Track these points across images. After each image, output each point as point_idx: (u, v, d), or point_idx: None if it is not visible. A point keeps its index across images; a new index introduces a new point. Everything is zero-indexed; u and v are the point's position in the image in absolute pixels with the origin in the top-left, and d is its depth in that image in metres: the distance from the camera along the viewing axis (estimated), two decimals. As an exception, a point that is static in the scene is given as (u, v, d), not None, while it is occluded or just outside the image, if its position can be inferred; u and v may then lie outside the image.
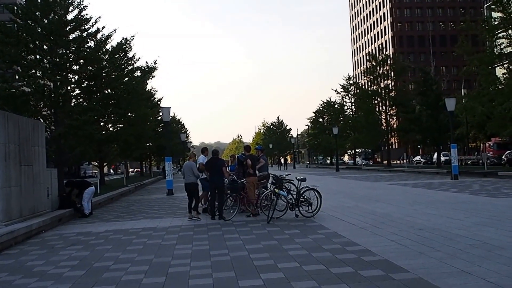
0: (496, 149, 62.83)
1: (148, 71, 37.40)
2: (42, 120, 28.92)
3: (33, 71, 30.21)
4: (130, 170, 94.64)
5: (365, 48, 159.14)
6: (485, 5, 75.09)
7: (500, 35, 42.71)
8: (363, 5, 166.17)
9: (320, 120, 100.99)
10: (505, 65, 43.41)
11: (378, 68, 75.42)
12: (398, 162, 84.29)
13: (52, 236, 15.60)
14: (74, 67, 31.89)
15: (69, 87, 31.81)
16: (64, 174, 32.04)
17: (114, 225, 17.47)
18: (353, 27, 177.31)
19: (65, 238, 15.05)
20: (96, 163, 47.47)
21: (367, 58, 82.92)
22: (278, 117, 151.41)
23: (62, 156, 30.95)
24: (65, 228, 17.54)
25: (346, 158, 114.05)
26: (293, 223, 15.67)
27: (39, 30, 29.90)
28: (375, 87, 76.12)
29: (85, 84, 32.71)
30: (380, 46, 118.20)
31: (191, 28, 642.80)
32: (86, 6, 31.73)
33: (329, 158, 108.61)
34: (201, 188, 20.17)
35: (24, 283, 9.49)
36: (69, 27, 31.22)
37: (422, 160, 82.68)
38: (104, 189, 32.83)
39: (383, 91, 74.87)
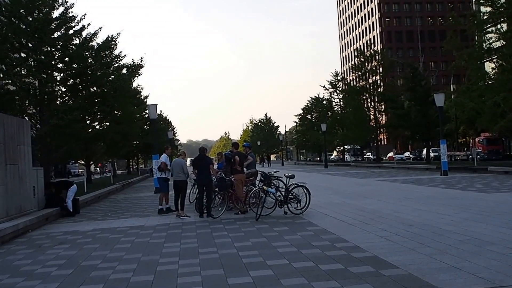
0: (486, 144, 63.23)
1: (135, 69, 37.32)
2: (27, 119, 28.82)
3: (18, 69, 30.08)
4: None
5: (353, 44, 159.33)
6: (474, 0, 75.47)
7: (489, 29, 42.83)
8: (350, 0, 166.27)
9: (308, 116, 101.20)
10: (494, 60, 43.57)
11: (366, 64, 75.59)
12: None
13: (39, 235, 15.55)
14: (60, 65, 31.78)
15: (54, 85, 31.71)
16: (52, 173, 31.96)
17: (102, 224, 17.44)
18: (341, 22, 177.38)
19: (52, 237, 15.01)
20: (83, 162, 47.35)
21: (355, 54, 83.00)
22: (266, 114, 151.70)
23: (48, 155, 30.86)
24: (52, 227, 17.50)
25: (334, 153, 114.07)
26: (282, 220, 15.70)
27: (24, 28, 29.78)
28: (363, 83, 76.31)
29: (70, 82, 32.64)
30: (368, 41, 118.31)
31: (175, 23, 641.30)
32: (72, 4, 31.67)
33: (317, 153, 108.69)
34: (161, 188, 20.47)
35: (12, 282, 9.46)
36: (54, 24, 31.11)
37: (411, 156, 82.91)
38: (91, 188, 32.74)
39: (371, 87, 75.06)
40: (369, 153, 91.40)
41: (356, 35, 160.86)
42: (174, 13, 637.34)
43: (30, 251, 12.76)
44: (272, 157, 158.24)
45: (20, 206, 17.74)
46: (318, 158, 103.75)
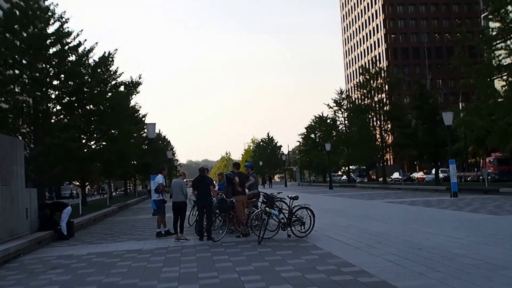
0: (497, 164, 62.88)
1: (132, 86, 37.34)
2: (21, 138, 28.80)
3: (12, 86, 30.11)
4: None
5: (358, 61, 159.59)
6: (482, 15, 75.72)
7: (499, 46, 42.88)
8: (355, 16, 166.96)
9: (312, 136, 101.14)
10: (504, 77, 43.55)
11: (371, 81, 75.60)
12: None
13: (31, 259, 15.45)
14: (55, 82, 31.84)
15: (49, 103, 31.72)
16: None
17: (97, 248, 17.34)
18: (345, 39, 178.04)
19: (45, 261, 14.90)
20: (78, 183, 47.27)
21: (360, 71, 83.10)
22: (268, 133, 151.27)
23: (41, 176, 30.78)
24: (45, 251, 17.40)
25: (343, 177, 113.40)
26: (285, 243, 15.60)
27: (18, 44, 29.86)
28: (368, 101, 76.29)
29: (66, 100, 32.65)
30: (374, 58, 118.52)
31: (173, 41, 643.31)
32: (68, 19, 31.78)
33: (321, 175, 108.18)
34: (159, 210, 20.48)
35: (1, 309, 9.38)
36: (50, 40, 31.20)
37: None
38: (86, 210, 32.63)
39: (377, 105, 75.02)
40: (397, 173, 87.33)
41: (361, 52, 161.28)
42: (171, 30, 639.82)
43: (21, 277, 12.65)
44: (276, 178, 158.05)
45: (11, 229, 17.63)
46: (328, 178, 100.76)
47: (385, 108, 74.41)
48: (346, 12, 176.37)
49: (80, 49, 32.42)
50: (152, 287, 10.39)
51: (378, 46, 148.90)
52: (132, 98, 43.13)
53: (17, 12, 30.81)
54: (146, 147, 62.17)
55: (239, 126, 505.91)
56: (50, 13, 31.56)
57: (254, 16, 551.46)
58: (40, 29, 30.93)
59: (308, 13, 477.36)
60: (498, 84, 47.12)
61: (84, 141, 36.00)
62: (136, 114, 56.90)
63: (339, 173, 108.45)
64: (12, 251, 15.67)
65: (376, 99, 75.26)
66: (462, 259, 11.46)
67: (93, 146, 38.35)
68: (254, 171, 20.89)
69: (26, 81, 30.38)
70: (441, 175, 63.88)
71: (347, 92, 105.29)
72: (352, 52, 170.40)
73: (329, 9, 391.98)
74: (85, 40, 32.60)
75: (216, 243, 16.45)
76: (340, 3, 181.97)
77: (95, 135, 36.34)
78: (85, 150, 35.05)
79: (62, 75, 31.52)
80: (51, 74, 31.42)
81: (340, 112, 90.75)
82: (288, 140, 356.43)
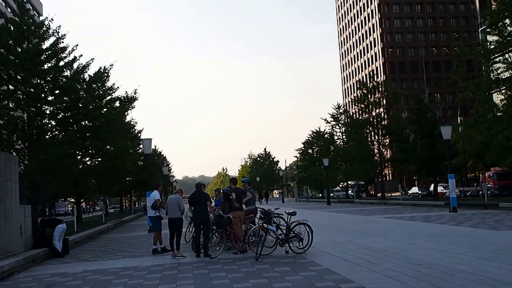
0: (497, 179, 62.77)
1: (128, 101, 37.27)
2: (15, 154, 28.70)
3: (6, 102, 30.06)
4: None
5: (355, 76, 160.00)
6: (480, 29, 75.99)
7: (497, 59, 42.99)
8: (352, 30, 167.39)
9: (310, 151, 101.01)
10: (503, 91, 43.63)
11: (369, 96, 75.76)
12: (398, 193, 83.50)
13: (26, 277, 15.38)
14: (50, 98, 31.76)
15: (44, 119, 31.65)
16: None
17: (92, 265, 17.27)
18: (342, 53, 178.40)
19: (39, 279, 14.83)
20: (73, 199, 47.11)
21: (358, 85, 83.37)
22: (265, 149, 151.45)
23: (36, 192, 30.67)
24: (40, 269, 17.32)
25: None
26: (283, 259, 15.55)
27: (13, 59, 29.83)
28: (366, 115, 76.42)
29: (61, 116, 32.57)
30: (371, 73, 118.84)
31: (170, 56, 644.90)
32: (64, 35, 31.75)
33: (319, 190, 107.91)
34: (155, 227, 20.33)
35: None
36: (45, 56, 31.16)
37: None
38: (81, 227, 32.54)
39: (375, 120, 75.15)
40: (415, 187, 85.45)
41: (359, 66, 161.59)
42: (170, 42, 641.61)
43: (16, 294, 12.59)
44: (276, 194, 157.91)
45: (5, 247, 17.55)
46: (320, 195, 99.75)
47: (383, 123, 74.60)
48: (343, 26, 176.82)
49: (75, 65, 32.38)
50: (148, 305, 10.33)
51: (376, 60, 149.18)
52: (127, 114, 43.15)
53: (12, 27, 30.82)
54: (142, 163, 62.05)
55: (236, 141, 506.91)
56: (45, 28, 31.55)
57: (251, 32, 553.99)
58: (35, 45, 30.92)
59: (305, 28, 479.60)
60: (497, 98, 47.24)
61: (79, 157, 35.90)
62: (131, 130, 56.81)
63: (338, 188, 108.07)
64: (6, 269, 15.58)
65: (374, 113, 75.46)
66: (463, 275, 11.42)
67: (88, 162, 38.26)
68: (251, 187, 20.84)
69: (21, 96, 30.31)
70: (446, 191, 63.52)
71: (345, 107, 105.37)
72: (349, 67, 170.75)
73: (326, 23, 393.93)
74: (81, 55, 32.55)
75: (213, 260, 16.39)
76: (337, 17, 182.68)
77: (90, 151, 36.23)
78: (80, 166, 34.97)
79: (57, 91, 31.43)
80: (46, 89, 31.36)
81: (337, 127, 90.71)
82: (286, 156, 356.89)
